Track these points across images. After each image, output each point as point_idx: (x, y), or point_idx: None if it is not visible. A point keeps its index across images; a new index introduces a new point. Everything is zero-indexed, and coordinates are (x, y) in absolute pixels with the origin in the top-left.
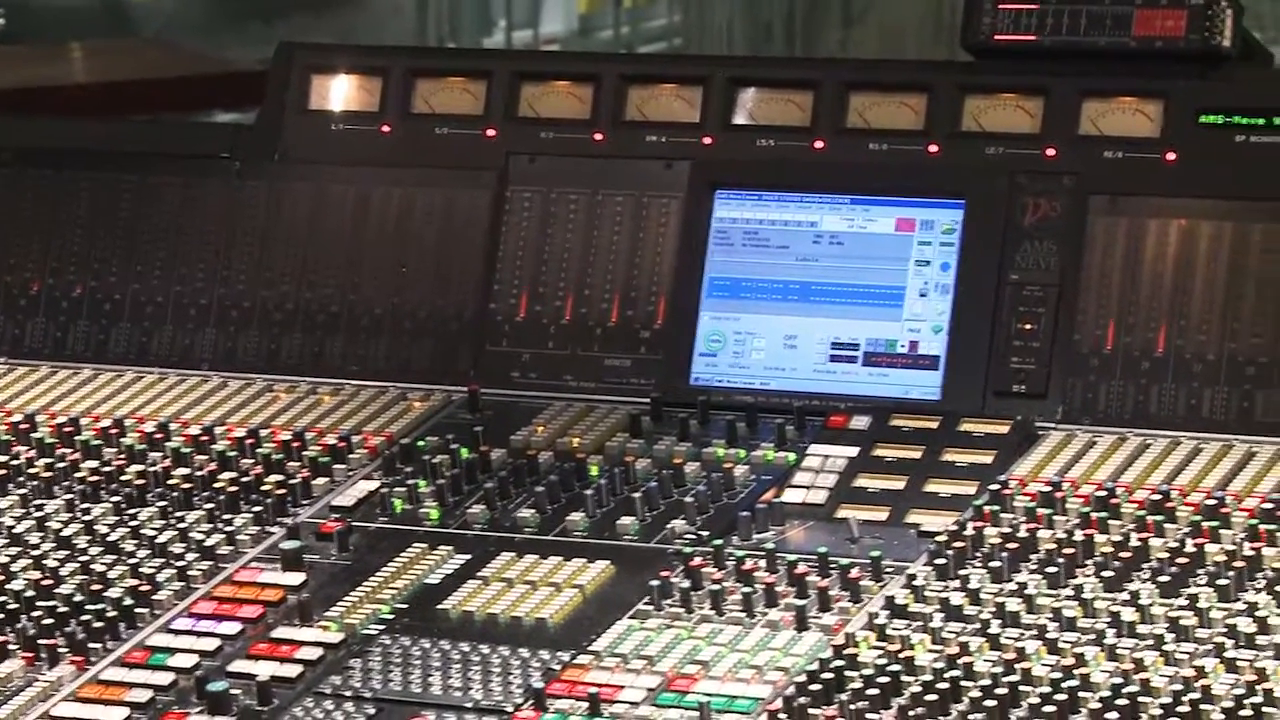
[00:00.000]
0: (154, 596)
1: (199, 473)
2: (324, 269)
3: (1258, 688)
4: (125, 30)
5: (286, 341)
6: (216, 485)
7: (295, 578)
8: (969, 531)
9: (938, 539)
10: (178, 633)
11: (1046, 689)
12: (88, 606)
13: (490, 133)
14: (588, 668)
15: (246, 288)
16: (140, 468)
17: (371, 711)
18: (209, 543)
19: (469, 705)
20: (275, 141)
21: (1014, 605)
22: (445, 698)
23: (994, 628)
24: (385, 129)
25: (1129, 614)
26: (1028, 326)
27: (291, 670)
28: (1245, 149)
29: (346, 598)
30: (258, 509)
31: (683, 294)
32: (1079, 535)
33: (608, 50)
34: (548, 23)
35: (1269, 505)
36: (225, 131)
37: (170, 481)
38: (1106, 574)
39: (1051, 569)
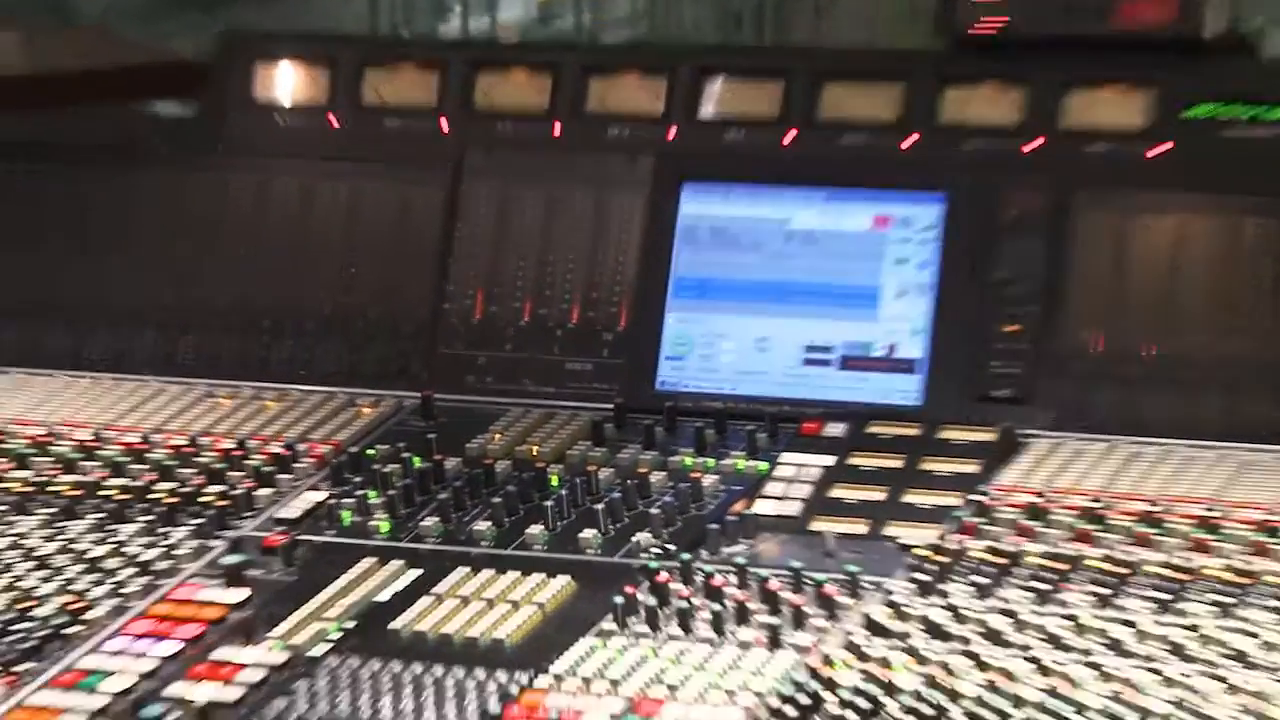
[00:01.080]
0: (87, 615)
1: (135, 483)
2: (268, 268)
3: (1261, 711)
4: (62, 18)
5: (228, 344)
6: (154, 496)
7: (237, 594)
8: (951, 545)
9: (918, 553)
10: (112, 653)
11: (1035, 712)
12: (16, 626)
13: (444, 125)
14: (548, 690)
15: (186, 288)
16: (73, 478)
17: None
18: (146, 557)
19: None
20: (217, 134)
21: (999, 623)
22: None
23: (979, 647)
24: (333, 121)
25: (1122, 633)
26: (1012, 328)
27: (233, 693)
28: (1235, 142)
29: (292, 616)
30: (198, 521)
31: (647, 294)
32: (1068, 549)
33: (568, 39)
34: (506, 9)
35: (1267, 516)
36: (165, 124)
37: (105, 492)
38: (1097, 590)
39: (1039, 585)
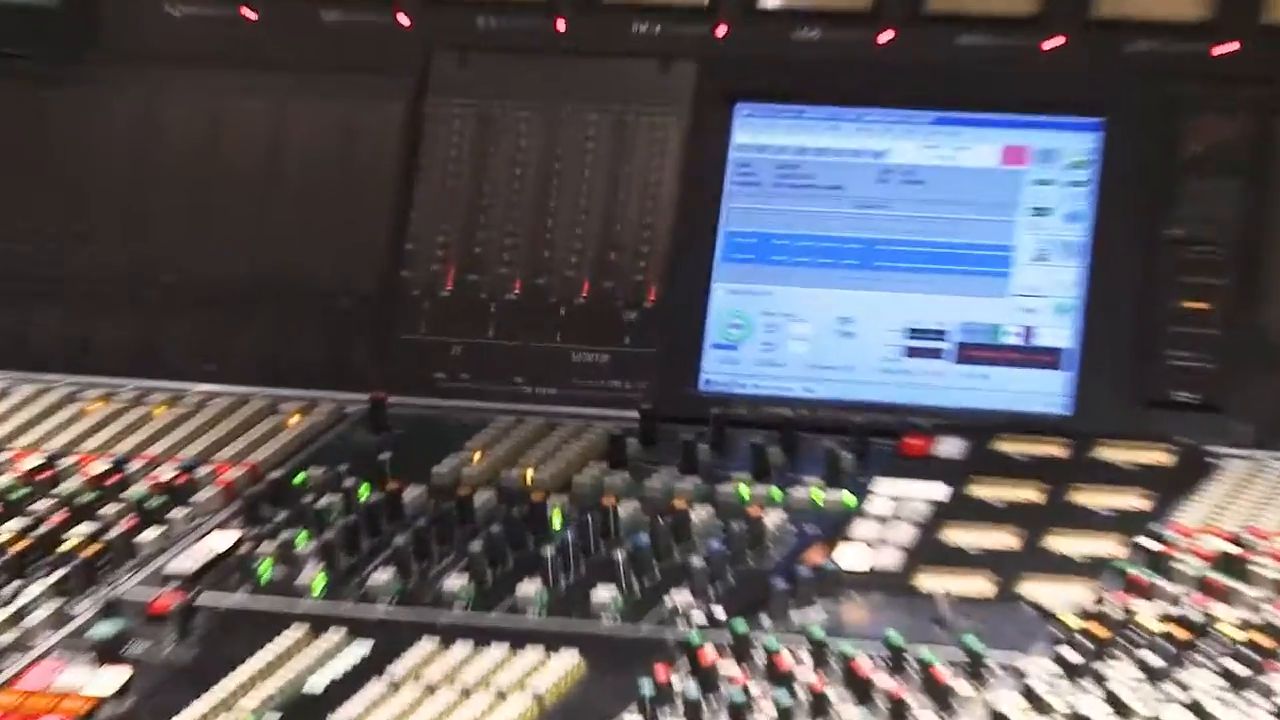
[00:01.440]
0: None
1: None
2: (159, 219)
3: None
4: None
5: (103, 327)
6: None
7: (114, 678)
8: (1112, 610)
9: (1066, 621)
10: None
11: None
12: None
13: (403, 20)
14: None
15: (45, 247)
16: None
17: None
18: None
19: None
20: (91, 33)
21: (1179, 719)
22: None
23: None
24: (247, 13)
25: None
26: (1197, 306)
27: None
28: None
29: (190, 708)
30: (57, 576)
31: (686, 257)
32: (1275, 615)
33: None
34: None
35: None
36: (18, 16)
37: None
38: None
39: (1234, 665)
